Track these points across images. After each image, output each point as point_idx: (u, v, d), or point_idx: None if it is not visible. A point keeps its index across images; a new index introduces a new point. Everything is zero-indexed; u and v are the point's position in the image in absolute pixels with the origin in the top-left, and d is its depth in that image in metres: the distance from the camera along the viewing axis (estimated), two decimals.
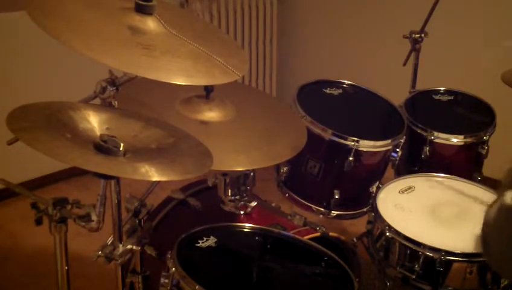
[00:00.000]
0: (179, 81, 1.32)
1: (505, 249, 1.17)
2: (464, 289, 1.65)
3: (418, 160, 2.12)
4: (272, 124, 1.76)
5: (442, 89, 2.35)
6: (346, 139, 1.88)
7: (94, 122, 1.32)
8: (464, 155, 2.19)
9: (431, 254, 1.62)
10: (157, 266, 1.47)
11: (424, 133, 2.11)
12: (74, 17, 1.34)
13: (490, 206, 1.24)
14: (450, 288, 1.64)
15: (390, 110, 2.12)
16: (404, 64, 2.44)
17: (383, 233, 1.73)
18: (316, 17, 3.76)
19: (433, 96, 2.33)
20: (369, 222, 1.84)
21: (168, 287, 1.39)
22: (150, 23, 1.40)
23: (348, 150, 1.88)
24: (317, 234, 1.73)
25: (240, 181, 1.80)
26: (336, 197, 1.95)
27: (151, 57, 1.33)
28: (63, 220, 1.32)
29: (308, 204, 2.00)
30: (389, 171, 2.09)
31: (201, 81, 1.45)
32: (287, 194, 2.03)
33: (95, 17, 1.36)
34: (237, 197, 1.81)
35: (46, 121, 1.24)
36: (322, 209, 1.99)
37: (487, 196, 1.84)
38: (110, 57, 1.27)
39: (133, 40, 1.36)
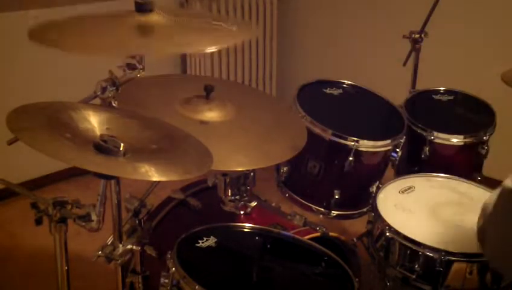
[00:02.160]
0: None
1: (503, 237, 1.15)
2: (463, 289, 1.65)
3: (418, 160, 2.12)
4: (271, 124, 1.76)
5: (442, 89, 2.35)
6: (346, 139, 1.88)
7: (94, 122, 1.32)
8: (463, 155, 2.19)
9: (431, 254, 1.62)
10: (157, 266, 1.47)
11: (424, 133, 2.11)
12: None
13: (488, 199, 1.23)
14: (450, 288, 1.64)
15: (390, 110, 2.12)
16: (404, 64, 2.44)
17: (383, 233, 1.73)
18: (316, 17, 3.76)
19: (433, 96, 2.33)
20: (369, 222, 1.84)
21: (168, 287, 1.39)
22: (153, 18, 1.41)
23: (348, 150, 1.88)
24: (317, 234, 1.73)
25: (240, 181, 1.80)
26: (336, 197, 1.95)
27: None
28: (63, 220, 1.31)
29: (308, 204, 2.00)
30: (389, 171, 2.09)
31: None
32: (287, 194, 2.03)
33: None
34: (237, 197, 1.80)
35: (46, 121, 1.24)
36: (322, 209, 1.99)
37: (487, 196, 1.83)
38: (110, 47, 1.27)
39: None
